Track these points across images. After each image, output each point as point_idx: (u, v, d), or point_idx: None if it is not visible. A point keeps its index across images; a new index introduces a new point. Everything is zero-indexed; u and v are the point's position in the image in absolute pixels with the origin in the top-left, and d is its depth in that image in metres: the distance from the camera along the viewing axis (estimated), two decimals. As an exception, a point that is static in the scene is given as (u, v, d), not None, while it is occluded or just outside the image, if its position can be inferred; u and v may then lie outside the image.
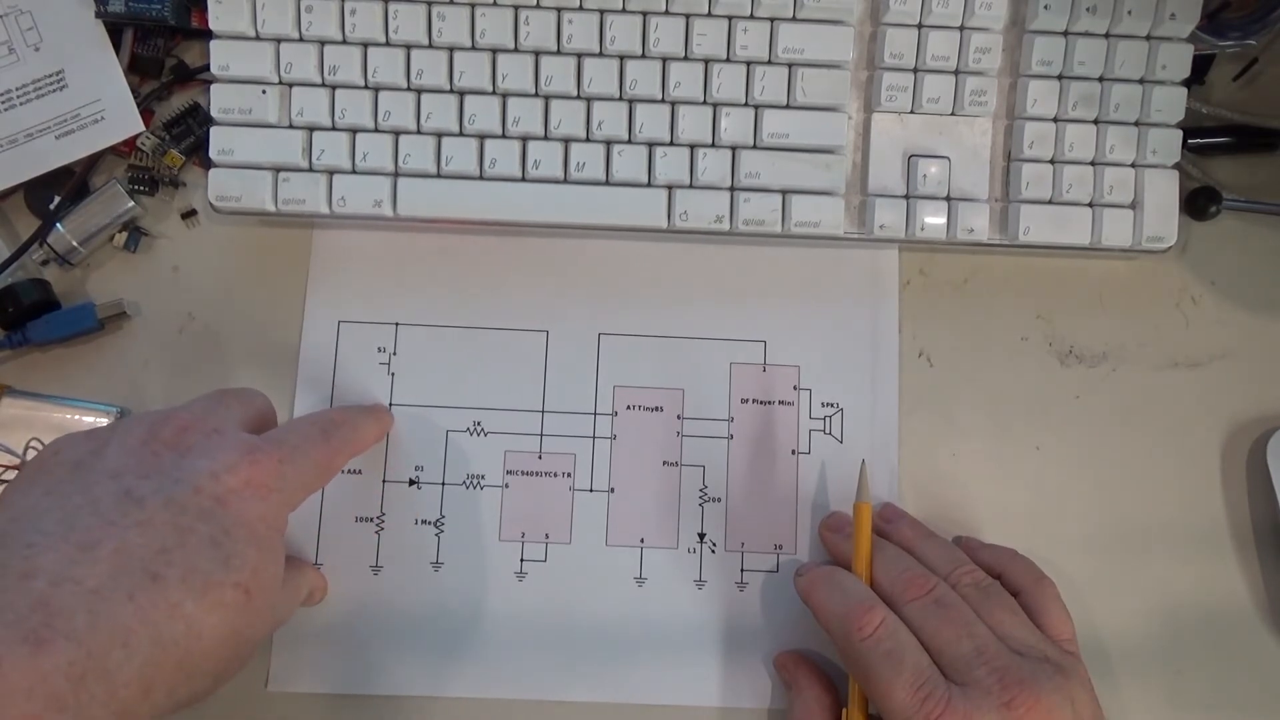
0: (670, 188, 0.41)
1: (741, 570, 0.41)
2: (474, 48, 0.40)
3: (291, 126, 0.40)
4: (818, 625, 0.37)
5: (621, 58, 0.41)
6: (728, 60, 0.41)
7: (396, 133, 0.41)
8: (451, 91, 0.41)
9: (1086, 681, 0.35)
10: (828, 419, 0.43)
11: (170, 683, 0.28)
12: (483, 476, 0.42)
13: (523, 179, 0.41)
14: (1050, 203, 0.42)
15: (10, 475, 0.39)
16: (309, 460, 0.34)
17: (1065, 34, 0.41)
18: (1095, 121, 0.42)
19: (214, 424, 0.32)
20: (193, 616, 0.28)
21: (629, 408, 0.42)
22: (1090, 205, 0.42)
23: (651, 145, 0.41)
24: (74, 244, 0.41)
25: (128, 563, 0.28)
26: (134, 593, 0.27)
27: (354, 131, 0.41)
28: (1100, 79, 0.42)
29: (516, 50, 0.40)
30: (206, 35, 0.40)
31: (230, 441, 0.32)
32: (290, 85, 0.40)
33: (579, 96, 0.41)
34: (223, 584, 0.29)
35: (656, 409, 0.42)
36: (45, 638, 0.25)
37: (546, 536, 0.41)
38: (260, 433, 0.35)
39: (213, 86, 0.40)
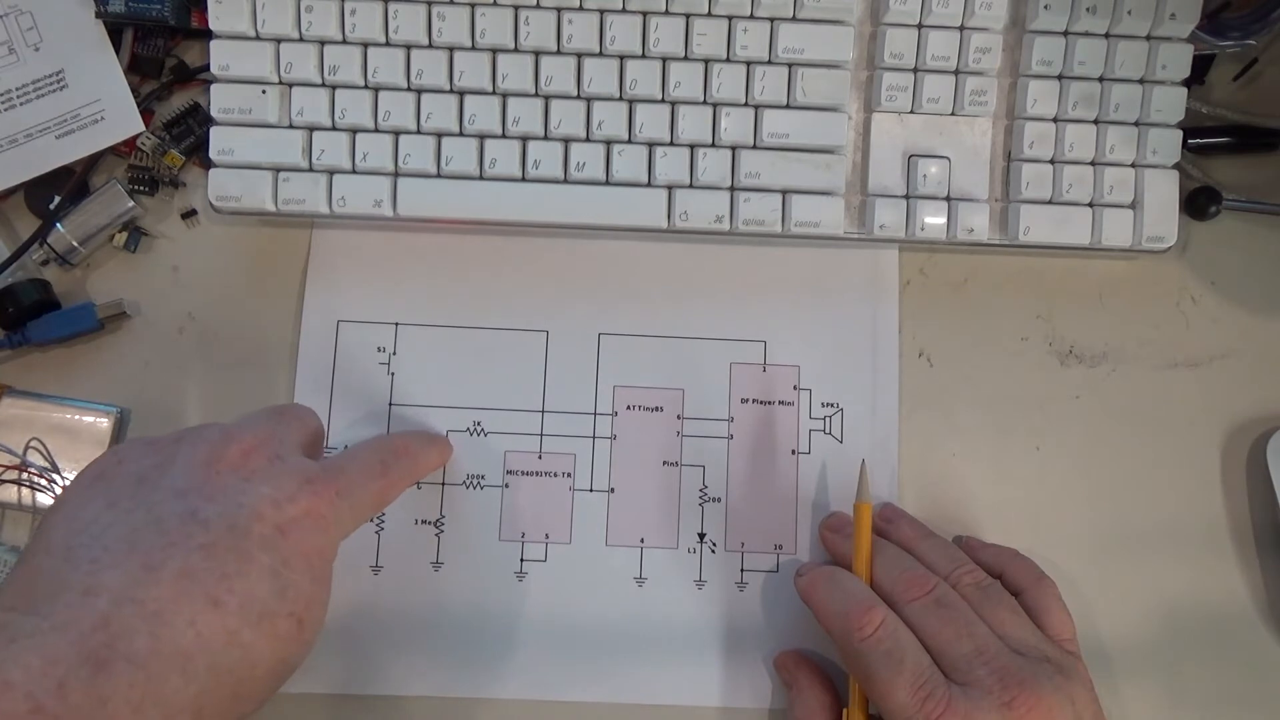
0: (670, 188, 0.41)
1: (741, 570, 0.41)
2: (474, 48, 0.40)
3: (291, 126, 0.40)
4: (818, 625, 0.37)
5: (621, 58, 0.41)
6: (728, 60, 0.41)
7: (396, 133, 0.41)
8: (451, 91, 0.41)
9: (1087, 681, 0.35)
10: (828, 419, 0.43)
11: (221, 709, 0.28)
12: (483, 476, 0.42)
13: (523, 179, 0.41)
14: (1050, 203, 0.42)
15: (10, 475, 0.39)
16: (366, 493, 0.34)
17: (1065, 34, 0.41)
18: (1095, 121, 0.42)
19: (276, 448, 0.32)
20: (249, 645, 0.28)
21: (629, 408, 0.42)
22: (1090, 205, 0.42)
23: (651, 145, 0.41)
24: (74, 244, 0.41)
25: (190, 587, 0.28)
26: (195, 618, 0.27)
27: (354, 131, 0.41)
28: (1100, 79, 0.42)
29: (516, 50, 0.40)
30: (206, 35, 0.40)
31: (292, 469, 0.32)
32: (290, 85, 0.40)
33: (579, 96, 0.41)
34: (278, 614, 0.29)
35: (656, 409, 0.42)
36: (106, 659, 0.25)
37: (546, 536, 0.41)
38: (313, 453, 0.35)
39: (213, 86, 0.40)
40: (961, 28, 0.41)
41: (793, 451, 0.42)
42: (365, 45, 0.40)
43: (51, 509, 0.30)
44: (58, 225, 0.41)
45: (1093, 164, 0.42)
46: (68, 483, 0.39)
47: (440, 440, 0.41)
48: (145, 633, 0.26)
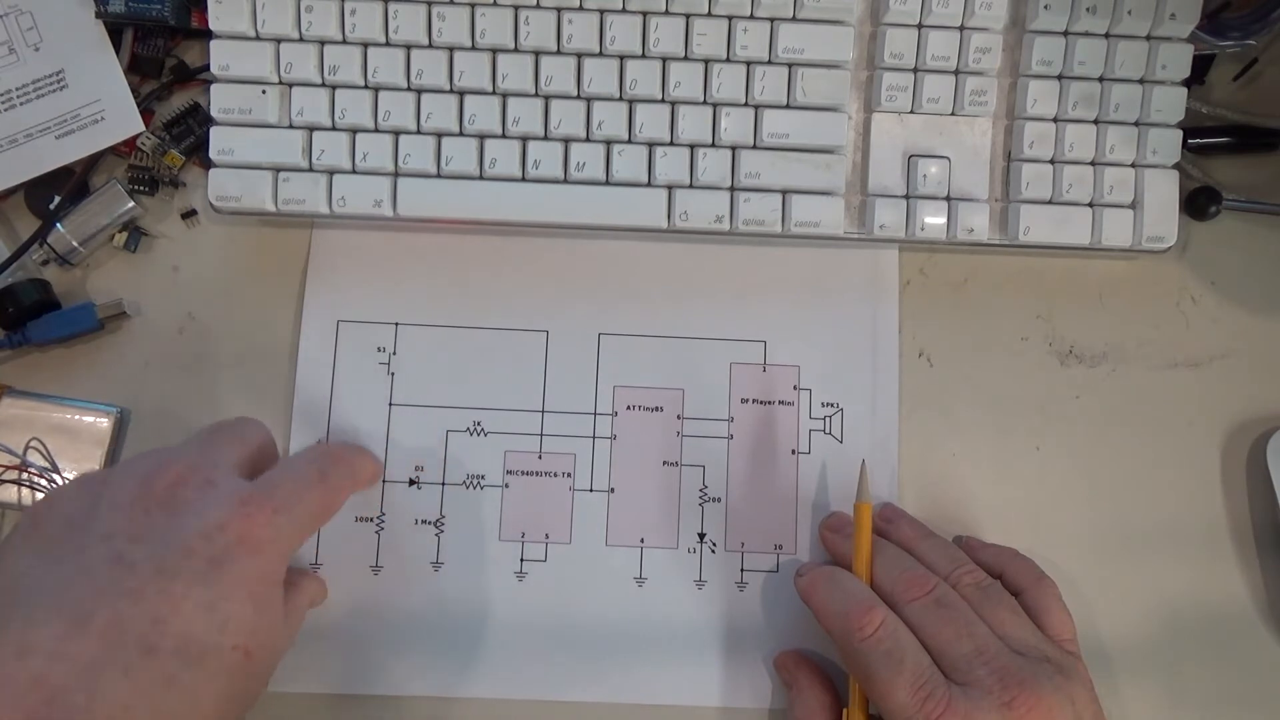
0: (670, 188, 0.41)
1: (741, 570, 0.41)
2: (474, 48, 0.40)
3: (291, 126, 0.40)
4: (818, 625, 0.37)
5: (621, 58, 0.41)
6: (728, 60, 0.41)
7: (396, 133, 0.41)
8: (451, 91, 0.41)
9: (1087, 681, 0.35)
10: (828, 419, 0.43)
11: None
12: (483, 476, 0.42)
13: (523, 179, 0.41)
14: (1050, 203, 0.42)
15: (10, 475, 0.39)
16: (305, 506, 0.33)
17: (1065, 34, 0.41)
18: (1095, 121, 0.42)
19: (206, 474, 0.31)
20: (190, 686, 0.28)
21: (629, 408, 0.42)
22: (1090, 205, 0.42)
23: (651, 145, 0.41)
24: (74, 244, 0.41)
25: (121, 636, 0.27)
26: (129, 667, 0.27)
27: (354, 131, 0.41)
28: (1100, 79, 0.42)
29: (516, 50, 0.40)
30: (206, 35, 0.40)
31: (223, 494, 0.31)
32: (290, 85, 0.40)
33: (579, 96, 0.41)
34: (220, 649, 0.29)
35: (656, 409, 0.42)
36: (44, 718, 0.25)
37: (546, 536, 0.41)
38: (261, 466, 0.35)
39: (213, 86, 0.40)
40: (961, 28, 0.41)
41: (793, 451, 0.42)
42: (365, 45, 0.40)
43: None
44: (58, 225, 0.41)
45: (1093, 164, 0.42)
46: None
47: (372, 455, 0.40)
48: (80, 689, 0.26)
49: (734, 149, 0.41)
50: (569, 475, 0.42)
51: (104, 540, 0.29)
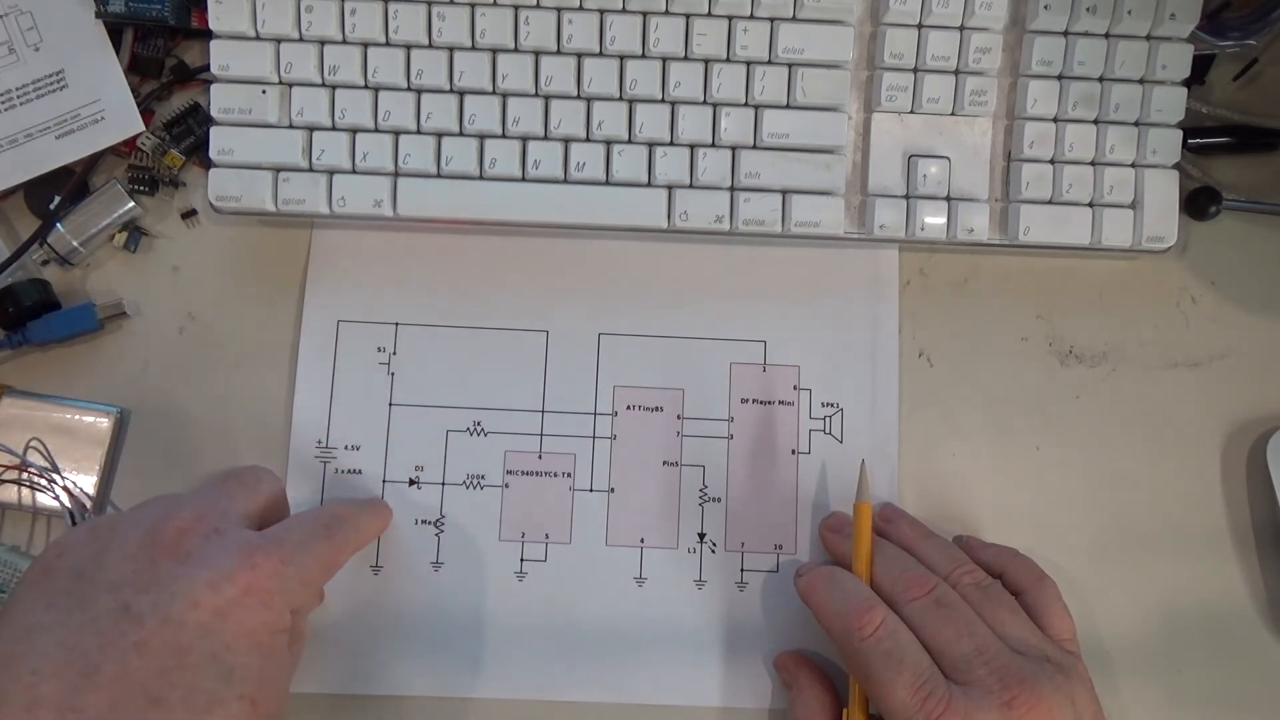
0: (670, 188, 0.41)
1: (741, 570, 0.41)
2: (474, 48, 0.40)
3: (291, 126, 0.40)
4: (818, 625, 0.37)
5: (621, 58, 0.41)
6: (728, 60, 0.41)
7: (396, 133, 0.41)
8: (451, 91, 0.41)
9: (1087, 681, 0.35)
10: (828, 419, 0.43)
11: None
12: (483, 476, 0.42)
13: (523, 179, 0.41)
14: (1050, 203, 0.42)
15: (10, 475, 0.40)
16: (312, 559, 0.33)
17: (1065, 34, 0.41)
18: (1095, 121, 0.42)
19: (214, 522, 0.32)
20: None
21: (629, 408, 0.42)
22: (1090, 205, 0.42)
23: (651, 145, 0.41)
24: (74, 244, 0.41)
25: (128, 689, 0.27)
26: (137, 719, 0.27)
27: (354, 131, 0.41)
28: (1100, 79, 0.42)
29: (516, 50, 0.40)
30: (206, 35, 0.40)
31: (230, 544, 0.31)
32: (290, 85, 0.40)
33: (579, 96, 0.41)
34: (226, 699, 0.29)
35: (656, 409, 0.42)
36: None
37: (546, 536, 0.41)
38: (270, 518, 0.35)
39: (213, 86, 0.40)
40: (961, 28, 0.41)
41: (793, 451, 0.42)
42: (365, 45, 0.40)
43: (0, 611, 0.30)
44: (58, 225, 0.41)
45: (1093, 164, 0.42)
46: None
47: (379, 506, 0.40)
48: None
49: (734, 149, 0.41)
50: (569, 475, 0.42)
51: (111, 591, 0.29)
